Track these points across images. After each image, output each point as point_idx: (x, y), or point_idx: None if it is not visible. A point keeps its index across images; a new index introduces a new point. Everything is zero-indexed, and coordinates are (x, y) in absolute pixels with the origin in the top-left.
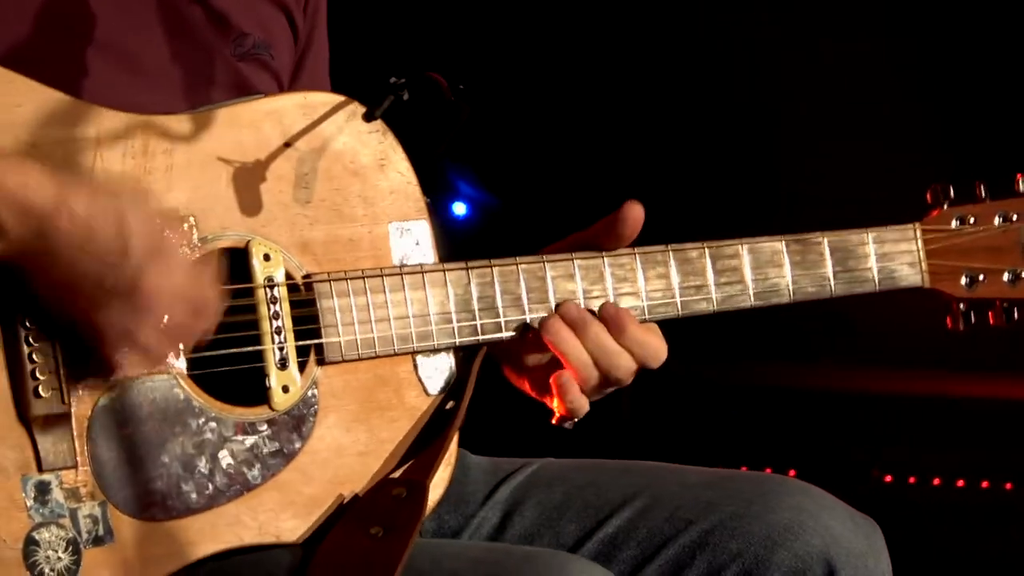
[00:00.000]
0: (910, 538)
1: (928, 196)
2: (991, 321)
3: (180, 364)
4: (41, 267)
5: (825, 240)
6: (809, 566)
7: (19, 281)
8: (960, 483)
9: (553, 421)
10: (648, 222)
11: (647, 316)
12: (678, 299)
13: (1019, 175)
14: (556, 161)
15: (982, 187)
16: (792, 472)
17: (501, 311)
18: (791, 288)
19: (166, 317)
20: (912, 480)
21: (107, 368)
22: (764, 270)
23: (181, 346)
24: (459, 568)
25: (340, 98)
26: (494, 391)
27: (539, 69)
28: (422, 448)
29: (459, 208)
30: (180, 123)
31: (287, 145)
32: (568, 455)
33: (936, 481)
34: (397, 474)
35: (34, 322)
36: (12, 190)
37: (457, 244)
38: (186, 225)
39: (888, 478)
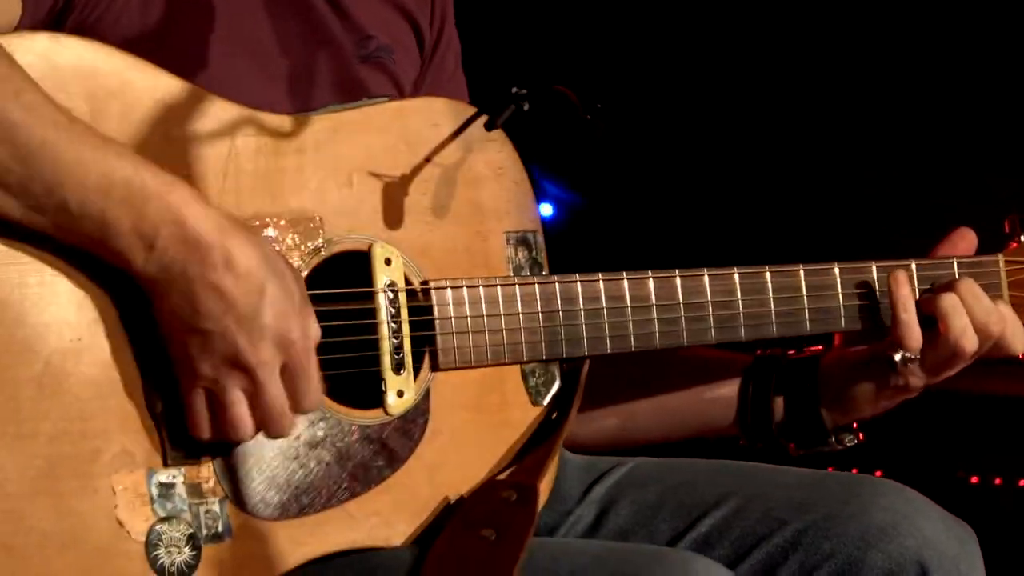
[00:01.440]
0: (996, 540)
1: (1006, 226)
2: None
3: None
4: (167, 293)
5: (913, 264)
6: (903, 568)
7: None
8: None
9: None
10: (735, 226)
11: (744, 336)
12: (774, 320)
13: None
14: (642, 162)
15: None
16: (878, 472)
17: (607, 325)
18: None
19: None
20: (998, 481)
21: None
22: (854, 293)
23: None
24: (582, 565)
25: (466, 107)
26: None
27: (628, 70)
28: (528, 455)
29: (545, 209)
30: (310, 123)
31: (427, 160)
32: (662, 454)
33: (1022, 483)
34: (503, 476)
35: None
36: (176, 211)
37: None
38: (312, 225)
39: (974, 479)
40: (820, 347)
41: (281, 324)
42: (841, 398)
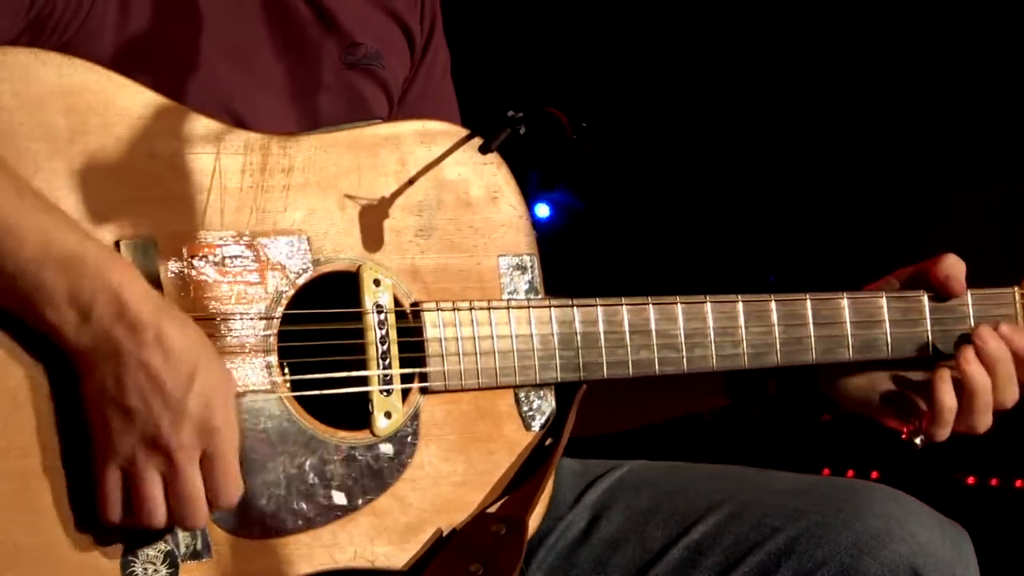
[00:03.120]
0: (993, 541)
1: None
2: None
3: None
4: (95, 366)
5: (925, 297)
6: (896, 575)
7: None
8: None
9: (904, 437)
10: (731, 230)
11: (747, 364)
12: (778, 347)
13: None
14: (641, 165)
15: None
16: (875, 474)
17: (604, 350)
18: (889, 344)
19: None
20: (995, 482)
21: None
22: (865, 323)
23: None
24: None
25: (459, 130)
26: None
27: (626, 74)
28: (520, 483)
29: (541, 210)
30: (299, 142)
31: (411, 182)
32: (656, 457)
33: (1019, 483)
34: (494, 508)
35: None
36: (115, 287)
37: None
38: (299, 245)
39: (971, 480)
40: None
41: (205, 411)
42: (835, 393)
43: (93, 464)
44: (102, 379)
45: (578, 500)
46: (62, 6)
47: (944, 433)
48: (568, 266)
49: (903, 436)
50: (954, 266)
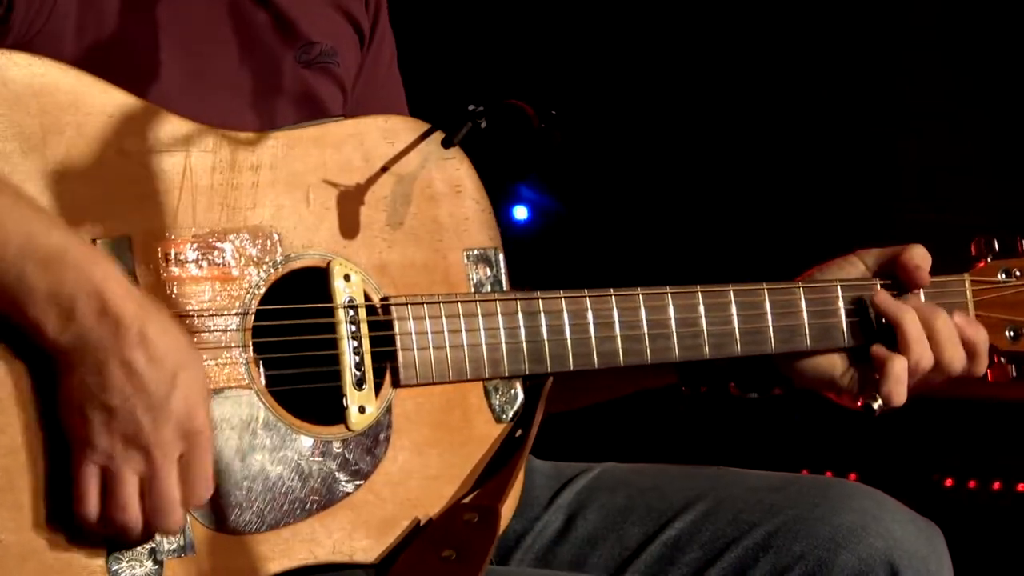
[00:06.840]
0: (971, 542)
1: (972, 248)
2: None
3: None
4: (77, 364)
5: (878, 284)
6: (872, 568)
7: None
8: (1021, 487)
9: (859, 404)
10: (712, 236)
11: (708, 354)
12: (738, 337)
13: None
14: (621, 166)
15: (1023, 242)
16: (853, 476)
17: (569, 342)
18: (846, 332)
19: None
20: (972, 484)
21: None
22: (822, 310)
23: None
24: None
25: (422, 124)
26: None
27: (607, 73)
28: (492, 474)
29: (520, 212)
30: (266, 140)
31: (376, 177)
32: (630, 459)
33: (996, 485)
34: (468, 499)
35: None
36: (97, 284)
37: (516, 250)
38: (269, 242)
39: (949, 482)
40: None
41: (187, 413)
42: (791, 372)
43: (71, 462)
44: (83, 377)
45: (552, 500)
46: (23, 7)
47: (901, 397)
48: (548, 269)
49: (859, 405)
50: (925, 258)
